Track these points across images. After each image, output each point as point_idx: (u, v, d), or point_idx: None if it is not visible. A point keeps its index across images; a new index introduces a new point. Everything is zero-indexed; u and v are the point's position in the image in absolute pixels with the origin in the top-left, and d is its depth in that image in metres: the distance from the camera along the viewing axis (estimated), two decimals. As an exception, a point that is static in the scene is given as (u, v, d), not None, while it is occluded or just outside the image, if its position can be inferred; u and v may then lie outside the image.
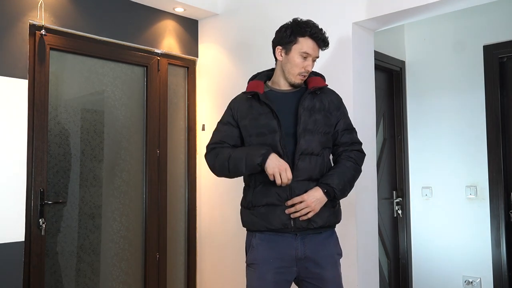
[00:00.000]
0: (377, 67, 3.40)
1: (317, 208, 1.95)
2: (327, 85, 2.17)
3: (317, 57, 2.10)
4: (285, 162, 1.93)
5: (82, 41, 3.04)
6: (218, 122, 2.25)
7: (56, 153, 2.94)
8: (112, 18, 3.17)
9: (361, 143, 2.18)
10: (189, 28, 3.62)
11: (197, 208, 3.60)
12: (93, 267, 3.12)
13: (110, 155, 3.22)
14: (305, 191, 1.97)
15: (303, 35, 2.06)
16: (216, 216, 3.47)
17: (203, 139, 3.60)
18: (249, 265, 2.11)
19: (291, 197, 1.97)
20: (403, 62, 3.93)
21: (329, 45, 2.13)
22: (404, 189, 3.86)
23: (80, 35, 3.02)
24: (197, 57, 3.66)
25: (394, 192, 3.80)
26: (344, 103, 2.20)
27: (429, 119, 3.82)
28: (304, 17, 3.05)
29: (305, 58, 2.06)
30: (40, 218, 2.76)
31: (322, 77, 2.20)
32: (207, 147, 2.19)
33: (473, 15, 3.58)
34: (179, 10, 3.47)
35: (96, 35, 3.08)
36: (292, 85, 2.11)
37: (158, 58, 3.43)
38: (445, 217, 3.71)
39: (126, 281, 3.24)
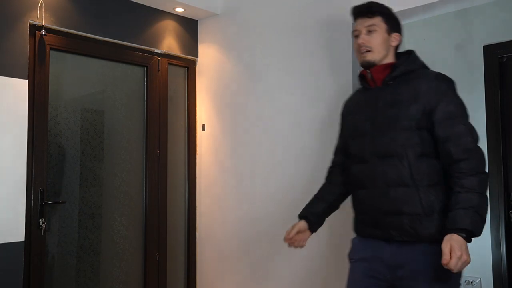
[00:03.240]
0: (377, 67, 3.40)
1: (467, 255, 1.65)
2: (415, 67, 1.90)
3: (370, 25, 1.92)
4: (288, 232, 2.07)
5: (82, 41, 3.04)
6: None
7: (56, 153, 2.94)
8: (112, 18, 3.17)
9: (473, 148, 1.74)
10: (189, 28, 3.62)
11: (197, 208, 3.60)
12: (93, 267, 3.12)
13: (110, 155, 3.22)
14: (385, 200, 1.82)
15: (353, 21, 2.03)
16: (216, 216, 3.47)
17: (203, 139, 3.60)
18: (349, 260, 2.07)
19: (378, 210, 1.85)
20: (403, 62, 3.93)
21: (377, 8, 1.97)
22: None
23: (80, 35, 3.02)
24: (197, 57, 3.66)
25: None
26: None
27: (429, 119, 3.81)
28: (303, 17, 3.06)
29: (357, 36, 1.96)
30: (40, 218, 2.76)
31: (406, 56, 1.92)
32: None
33: (473, 15, 3.58)
34: (179, 10, 3.47)
35: (96, 35, 3.08)
36: (364, 66, 1.96)
37: (158, 58, 3.43)
38: (445, 217, 3.70)
39: (126, 281, 3.24)
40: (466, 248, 1.66)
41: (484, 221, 1.71)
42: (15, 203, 2.65)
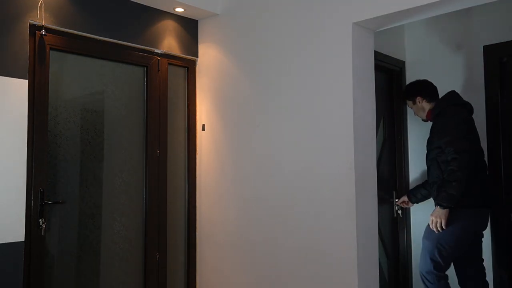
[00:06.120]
0: (377, 67, 3.40)
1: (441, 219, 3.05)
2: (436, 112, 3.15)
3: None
4: None
5: (82, 41, 3.04)
6: None
7: (56, 153, 2.94)
8: (112, 18, 3.17)
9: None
10: (189, 28, 3.62)
11: (197, 208, 3.60)
12: (93, 267, 3.12)
13: (110, 155, 3.22)
14: None
15: None
16: (216, 216, 3.47)
17: (203, 139, 3.60)
18: None
19: None
20: (403, 62, 3.93)
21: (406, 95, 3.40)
22: (404, 189, 3.86)
23: (80, 35, 3.02)
24: (197, 57, 3.66)
25: (394, 192, 3.80)
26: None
27: (429, 119, 3.81)
28: (304, 17, 3.06)
29: None
30: (40, 218, 2.76)
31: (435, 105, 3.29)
32: None
33: (473, 15, 3.58)
34: (179, 10, 3.47)
35: (96, 35, 3.08)
36: None
37: (158, 58, 3.43)
38: (445, 217, 3.69)
39: (126, 281, 3.24)
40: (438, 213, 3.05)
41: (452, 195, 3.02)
42: (15, 203, 2.65)
